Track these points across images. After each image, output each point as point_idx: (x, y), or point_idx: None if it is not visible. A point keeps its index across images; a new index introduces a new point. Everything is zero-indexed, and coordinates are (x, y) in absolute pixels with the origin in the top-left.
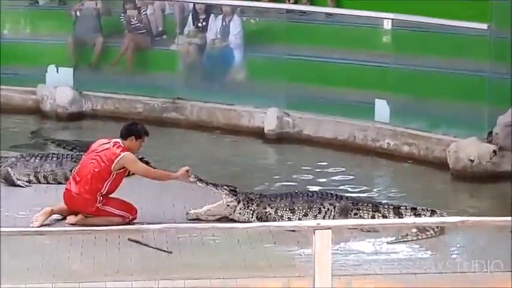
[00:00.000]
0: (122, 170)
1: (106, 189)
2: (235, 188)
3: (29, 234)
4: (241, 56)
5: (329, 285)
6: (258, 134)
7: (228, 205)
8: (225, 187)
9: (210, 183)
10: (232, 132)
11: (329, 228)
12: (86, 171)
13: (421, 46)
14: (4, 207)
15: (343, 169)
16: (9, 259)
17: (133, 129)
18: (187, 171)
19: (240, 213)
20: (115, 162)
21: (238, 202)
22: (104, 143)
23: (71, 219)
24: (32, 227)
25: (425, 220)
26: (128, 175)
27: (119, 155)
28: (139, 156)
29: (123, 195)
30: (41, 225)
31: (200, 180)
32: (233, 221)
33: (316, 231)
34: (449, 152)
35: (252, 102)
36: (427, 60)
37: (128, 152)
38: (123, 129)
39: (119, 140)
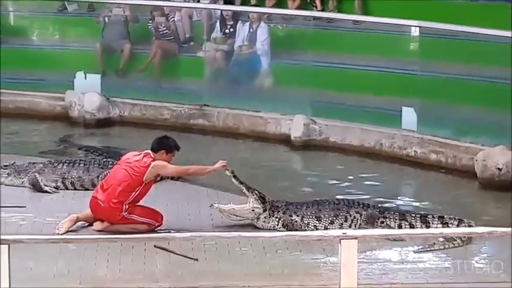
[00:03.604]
0: (151, 180)
1: (133, 198)
2: (265, 196)
3: (55, 242)
4: (267, 62)
5: None
6: (285, 141)
7: (253, 210)
8: (256, 191)
9: (244, 183)
10: (258, 139)
11: (355, 238)
12: (114, 181)
13: (448, 53)
14: (32, 212)
15: (370, 177)
16: (35, 265)
17: (165, 142)
18: (224, 165)
19: (264, 221)
20: (147, 172)
21: (264, 210)
22: (135, 155)
23: (98, 225)
24: (58, 233)
25: (452, 230)
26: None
27: (149, 165)
28: None
29: (149, 202)
30: (67, 232)
31: (235, 176)
32: (258, 229)
33: (342, 240)
34: (477, 160)
35: (279, 109)
36: (455, 67)
37: (158, 160)
38: (155, 142)
39: (149, 151)
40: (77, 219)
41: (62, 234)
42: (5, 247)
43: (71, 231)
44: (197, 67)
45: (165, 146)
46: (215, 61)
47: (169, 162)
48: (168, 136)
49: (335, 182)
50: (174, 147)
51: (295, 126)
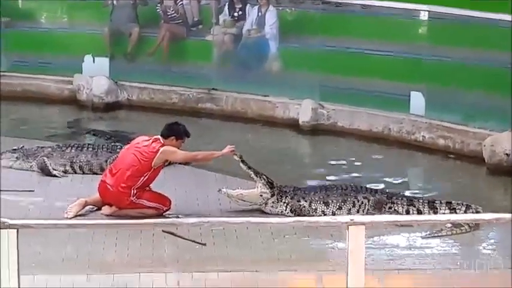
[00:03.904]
0: (160, 165)
1: (142, 183)
2: (273, 181)
3: (64, 227)
4: (276, 46)
5: (362, 281)
6: (293, 125)
7: (261, 195)
8: (264, 176)
9: (252, 168)
10: (266, 123)
11: (363, 224)
12: (123, 166)
13: (457, 37)
14: (40, 196)
15: (378, 162)
16: (44, 249)
17: (175, 129)
18: (232, 150)
19: (272, 206)
20: (155, 158)
21: (272, 196)
22: (145, 140)
23: (106, 210)
24: (66, 217)
25: (460, 217)
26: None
27: (158, 150)
28: None
29: (158, 187)
30: (75, 216)
31: (243, 161)
32: (266, 214)
33: (349, 227)
34: (485, 145)
35: (287, 94)
36: (464, 51)
37: (166, 146)
38: (165, 128)
39: (159, 137)
40: (86, 204)
41: (71, 218)
42: (13, 232)
43: (79, 215)
44: (205, 51)
45: (175, 132)
46: (223, 45)
47: (179, 149)
48: (179, 122)
49: (343, 167)
50: (184, 133)
51: (304, 110)
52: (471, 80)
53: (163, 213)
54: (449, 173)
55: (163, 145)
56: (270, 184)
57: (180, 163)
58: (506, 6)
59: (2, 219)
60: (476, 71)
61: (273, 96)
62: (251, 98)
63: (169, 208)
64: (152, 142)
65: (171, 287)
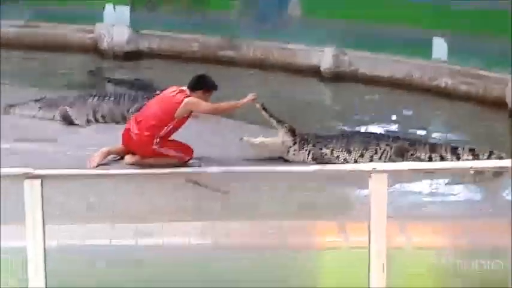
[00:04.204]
0: (184, 116)
1: (165, 133)
2: (295, 129)
3: (87, 178)
4: None
5: (384, 230)
6: (315, 72)
7: (283, 143)
8: (286, 124)
9: (274, 116)
10: (288, 70)
11: (385, 172)
12: (148, 114)
13: None
14: (64, 146)
15: (400, 109)
16: (67, 199)
17: (202, 81)
18: (253, 99)
19: (294, 154)
20: (179, 108)
21: (294, 143)
22: (172, 91)
23: (129, 158)
24: (90, 167)
25: (482, 164)
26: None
27: (182, 101)
28: None
29: (177, 135)
30: (98, 165)
31: (265, 109)
32: (287, 161)
33: (372, 175)
34: (507, 90)
35: (308, 41)
36: None
37: (190, 97)
38: (192, 81)
39: (185, 88)
40: (109, 153)
41: (94, 167)
42: (37, 181)
43: (102, 164)
44: None
45: (203, 85)
46: None
47: (206, 101)
48: (206, 75)
49: (365, 114)
50: (212, 86)
51: (325, 57)
52: (494, 25)
53: (186, 163)
54: (472, 119)
55: (187, 96)
56: (292, 132)
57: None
58: None
59: (26, 169)
60: (499, 16)
61: (294, 43)
62: (272, 46)
63: (192, 157)
64: (177, 93)
65: (194, 236)
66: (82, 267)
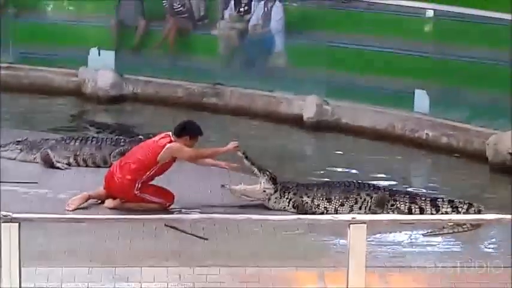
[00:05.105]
0: (167, 161)
1: (147, 177)
2: (276, 177)
3: (65, 221)
4: (282, 42)
5: (363, 279)
6: (297, 121)
7: (264, 191)
8: (268, 172)
9: (255, 164)
10: (270, 119)
11: (364, 223)
12: (131, 158)
13: (462, 36)
14: (44, 188)
15: (381, 159)
16: (47, 242)
17: (188, 128)
18: (235, 146)
19: (275, 202)
20: (161, 153)
21: (275, 191)
22: (159, 135)
23: (109, 203)
24: (68, 210)
25: (461, 217)
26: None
27: (165, 145)
28: None
29: (161, 180)
30: (77, 209)
31: (247, 157)
32: (269, 210)
33: (351, 225)
34: (488, 144)
35: (292, 89)
36: (469, 50)
37: (173, 143)
38: (178, 127)
39: (169, 133)
40: (89, 197)
41: (72, 210)
42: (15, 225)
43: (82, 208)
44: (211, 45)
45: (189, 131)
46: (229, 40)
47: (191, 147)
48: (192, 121)
49: (346, 163)
50: (197, 132)
51: (308, 106)
52: (476, 79)
53: (167, 208)
54: (452, 171)
55: (171, 141)
56: (273, 180)
57: None
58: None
59: (4, 213)
60: (481, 70)
61: (277, 92)
62: (256, 94)
63: (172, 203)
64: (161, 138)
65: (172, 281)
66: None
